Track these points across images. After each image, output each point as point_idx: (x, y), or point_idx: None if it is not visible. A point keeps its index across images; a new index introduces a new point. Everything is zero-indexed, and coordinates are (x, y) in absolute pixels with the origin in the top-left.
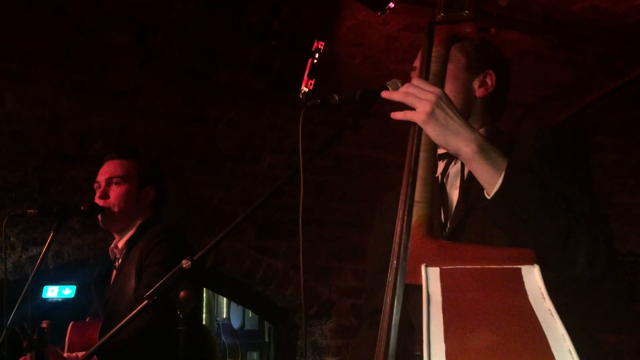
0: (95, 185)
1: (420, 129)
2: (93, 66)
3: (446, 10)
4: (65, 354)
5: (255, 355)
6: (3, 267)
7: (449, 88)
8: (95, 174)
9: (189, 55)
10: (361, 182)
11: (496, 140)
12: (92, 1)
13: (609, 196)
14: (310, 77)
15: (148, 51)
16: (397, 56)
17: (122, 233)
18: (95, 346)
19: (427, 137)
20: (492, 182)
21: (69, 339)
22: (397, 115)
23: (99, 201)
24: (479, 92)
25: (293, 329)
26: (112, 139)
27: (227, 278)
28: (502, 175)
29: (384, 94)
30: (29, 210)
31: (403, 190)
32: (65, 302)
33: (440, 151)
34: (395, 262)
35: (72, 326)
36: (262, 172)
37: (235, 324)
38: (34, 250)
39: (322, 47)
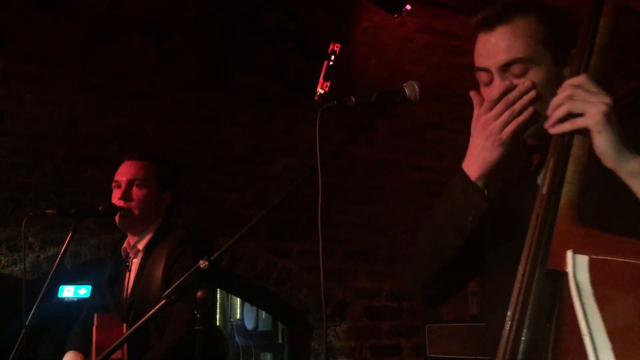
0: (114, 184)
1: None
2: (110, 69)
3: None
4: None
5: (268, 356)
6: (22, 267)
7: (545, 93)
8: (111, 175)
9: (204, 58)
10: (375, 184)
11: None
12: (109, 6)
13: None
14: (326, 79)
15: (163, 54)
16: (412, 57)
17: (139, 235)
18: (114, 345)
19: None
20: None
21: (97, 343)
22: (565, 127)
23: (119, 202)
24: None
25: (307, 330)
26: (128, 141)
27: (241, 279)
28: None
29: (550, 114)
30: (47, 211)
31: (550, 166)
32: (80, 302)
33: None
34: (534, 243)
35: (96, 331)
36: (276, 174)
37: (249, 324)
38: (52, 250)
39: (337, 49)
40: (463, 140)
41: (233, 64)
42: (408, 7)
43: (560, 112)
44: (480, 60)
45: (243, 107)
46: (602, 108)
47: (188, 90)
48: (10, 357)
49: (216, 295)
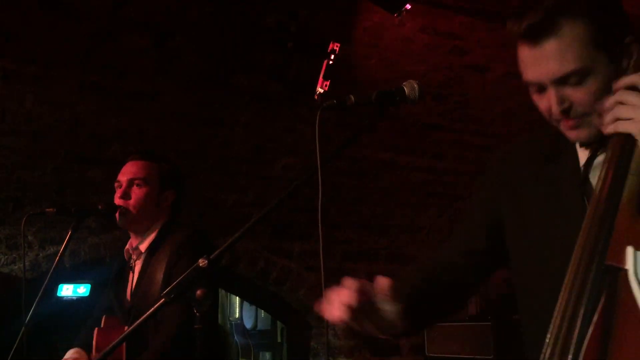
0: (116, 184)
1: None
2: (112, 69)
3: None
4: None
5: (267, 355)
6: (21, 266)
7: (597, 94)
8: (112, 175)
9: (205, 58)
10: (376, 184)
11: None
12: (111, 6)
13: None
14: (325, 78)
15: (165, 55)
16: (412, 57)
17: (142, 235)
18: (112, 344)
19: None
20: None
21: (96, 344)
22: (610, 129)
23: (119, 201)
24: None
25: (306, 329)
26: (129, 141)
27: (241, 278)
28: None
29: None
30: (47, 210)
31: (611, 155)
32: (79, 301)
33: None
34: (591, 238)
35: (97, 332)
36: (277, 174)
37: (248, 324)
38: (51, 249)
39: (337, 49)
40: (463, 140)
41: (234, 64)
42: (408, 6)
43: (608, 118)
44: (530, 73)
45: (244, 107)
46: None
47: (189, 91)
48: (10, 356)
49: (218, 295)
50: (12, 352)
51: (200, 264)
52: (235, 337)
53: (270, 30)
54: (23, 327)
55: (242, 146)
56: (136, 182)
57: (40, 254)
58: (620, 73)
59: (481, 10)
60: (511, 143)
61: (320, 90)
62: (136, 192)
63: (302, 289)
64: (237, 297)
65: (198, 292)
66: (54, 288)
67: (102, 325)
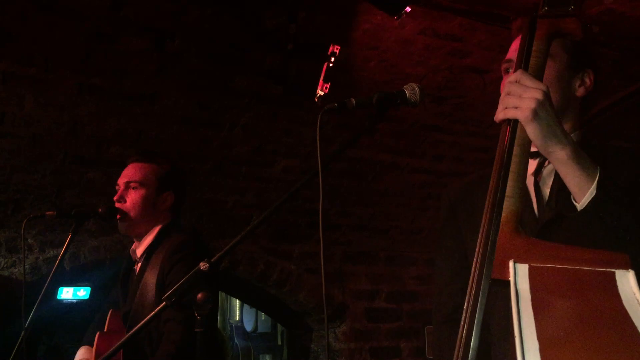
0: (116, 187)
1: (516, 122)
2: (111, 71)
3: (550, 4)
4: None
5: (268, 358)
6: (21, 269)
7: (552, 86)
8: (111, 177)
9: (205, 60)
10: (375, 186)
11: (586, 146)
12: (111, 7)
13: None
14: (325, 81)
15: (165, 57)
16: (412, 60)
17: (140, 238)
18: (110, 350)
19: (523, 131)
20: (583, 189)
21: (97, 348)
22: (499, 116)
23: (116, 204)
24: (579, 92)
25: (306, 332)
26: (129, 143)
27: (241, 280)
28: (595, 183)
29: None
30: (47, 213)
31: (492, 184)
32: (79, 304)
33: (533, 149)
34: (480, 256)
35: (99, 336)
36: (277, 176)
37: (248, 326)
38: (51, 252)
39: (337, 51)
40: (462, 142)
41: (234, 67)
42: (408, 9)
43: (499, 108)
44: (509, 55)
45: (244, 110)
46: (530, 103)
47: (189, 93)
48: (10, 359)
49: (218, 298)
50: (12, 355)
51: (202, 267)
52: (236, 340)
53: (270, 32)
54: (23, 330)
55: (241, 148)
56: (132, 184)
57: (40, 257)
58: (570, 84)
59: (481, 13)
60: (462, 179)
61: (320, 92)
62: (132, 195)
63: (302, 291)
64: (237, 300)
65: (199, 295)
66: (54, 291)
67: (108, 318)
